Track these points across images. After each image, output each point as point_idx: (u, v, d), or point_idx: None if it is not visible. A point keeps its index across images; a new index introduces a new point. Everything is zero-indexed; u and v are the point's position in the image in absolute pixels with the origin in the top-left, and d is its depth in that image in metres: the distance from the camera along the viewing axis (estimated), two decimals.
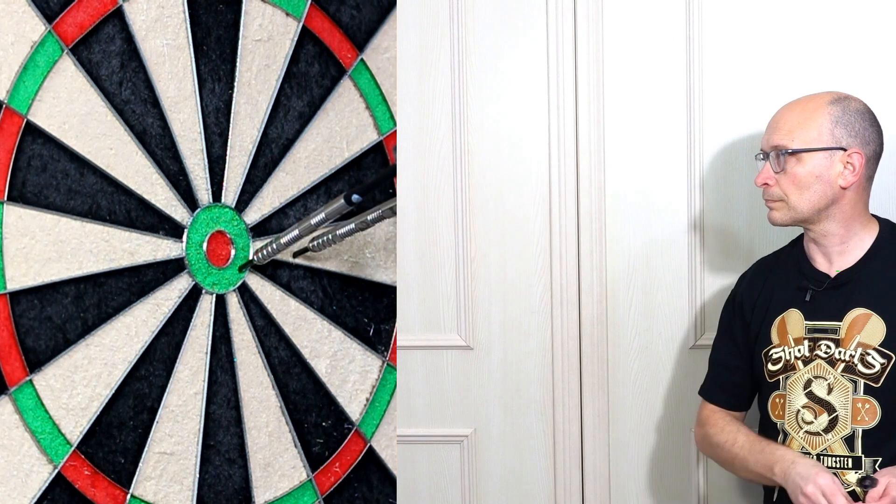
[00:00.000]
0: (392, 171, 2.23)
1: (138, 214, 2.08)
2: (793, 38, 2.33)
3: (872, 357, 1.92)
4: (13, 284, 1.93)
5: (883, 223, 2.02)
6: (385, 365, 2.44)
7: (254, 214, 2.25)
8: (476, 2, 2.42)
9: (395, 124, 2.45)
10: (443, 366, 2.47)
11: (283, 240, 2.20)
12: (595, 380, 2.42)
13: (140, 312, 2.08)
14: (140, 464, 2.07)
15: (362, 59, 2.40)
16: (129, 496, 2.06)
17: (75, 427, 1.99)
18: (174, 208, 2.13)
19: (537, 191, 2.42)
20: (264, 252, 2.22)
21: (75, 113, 2.00)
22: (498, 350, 2.45)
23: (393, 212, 2.18)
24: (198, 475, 2.15)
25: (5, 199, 1.92)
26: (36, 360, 1.95)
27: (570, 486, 2.44)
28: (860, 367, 1.93)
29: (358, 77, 2.40)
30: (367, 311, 2.42)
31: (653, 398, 2.42)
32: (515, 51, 2.42)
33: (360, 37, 2.40)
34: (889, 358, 1.91)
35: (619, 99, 2.39)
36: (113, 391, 2.04)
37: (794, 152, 1.95)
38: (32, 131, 1.95)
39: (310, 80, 2.32)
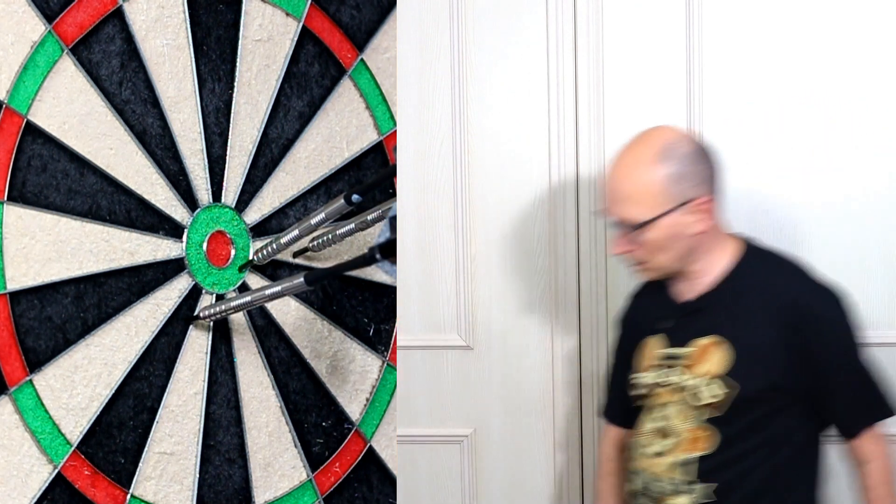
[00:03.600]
0: (392, 171, 2.23)
1: (138, 214, 2.08)
2: (793, 38, 2.33)
3: (717, 385, 1.90)
4: (13, 284, 1.93)
5: (745, 246, 1.98)
6: (385, 365, 2.44)
7: (254, 214, 2.25)
8: (476, 2, 2.42)
9: (395, 124, 2.45)
10: (443, 366, 2.47)
11: (283, 240, 2.20)
12: (595, 380, 2.42)
13: (140, 312, 2.08)
14: (140, 464, 2.07)
15: (362, 59, 2.40)
16: (129, 496, 2.06)
17: (75, 427, 1.99)
18: (174, 208, 2.13)
19: (537, 191, 2.41)
20: (264, 252, 2.22)
21: (75, 113, 2.00)
22: (498, 350, 2.45)
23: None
24: (198, 475, 2.15)
25: (5, 199, 1.92)
26: (36, 360, 1.95)
27: (570, 486, 2.44)
28: (704, 395, 1.91)
29: (358, 77, 2.40)
30: (367, 311, 2.42)
31: None
32: (515, 51, 2.42)
33: (360, 37, 2.40)
34: (733, 387, 1.89)
35: (619, 99, 2.39)
36: (113, 391, 2.04)
37: (642, 225, 1.90)
38: (32, 131, 1.95)
39: (310, 80, 2.32)
